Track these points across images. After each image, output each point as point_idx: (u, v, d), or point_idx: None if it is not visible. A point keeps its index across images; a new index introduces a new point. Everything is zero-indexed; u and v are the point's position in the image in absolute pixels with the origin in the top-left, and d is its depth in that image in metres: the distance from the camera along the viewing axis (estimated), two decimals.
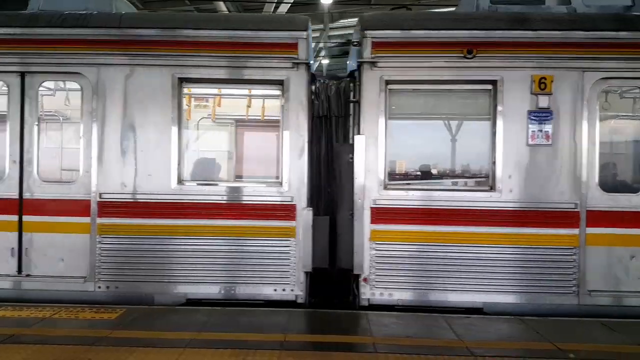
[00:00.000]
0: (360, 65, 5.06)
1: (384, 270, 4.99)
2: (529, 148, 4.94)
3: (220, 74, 5.15)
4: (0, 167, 5.28)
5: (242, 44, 5.10)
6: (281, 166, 5.11)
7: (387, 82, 5.02)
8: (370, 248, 4.99)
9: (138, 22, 5.24)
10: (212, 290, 5.09)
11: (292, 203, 5.05)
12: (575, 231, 4.93)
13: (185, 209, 5.10)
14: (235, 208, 5.11)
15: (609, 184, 5.11)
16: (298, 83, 5.08)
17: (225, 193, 5.16)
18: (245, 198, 5.12)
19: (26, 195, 5.19)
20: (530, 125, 4.94)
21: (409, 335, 4.17)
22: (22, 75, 5.21)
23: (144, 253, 5.10)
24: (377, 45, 5.01)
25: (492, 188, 5.01)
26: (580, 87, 4.94)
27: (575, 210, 4.93)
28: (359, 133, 5.04)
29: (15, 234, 5.18)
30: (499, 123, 4.96)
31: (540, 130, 4.93)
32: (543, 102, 4.93)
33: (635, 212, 4.92)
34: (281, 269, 5.05)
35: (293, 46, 5.09)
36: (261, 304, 5.04)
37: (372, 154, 5.00)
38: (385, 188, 5.02)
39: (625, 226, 4.91)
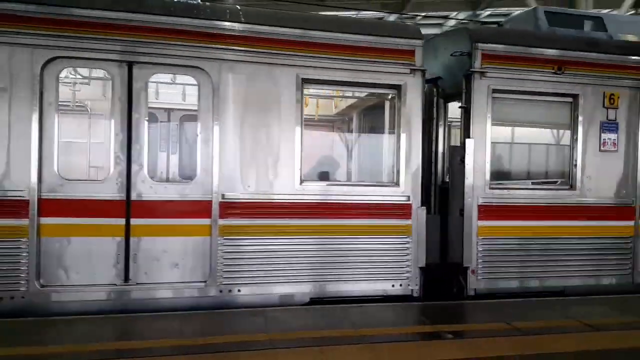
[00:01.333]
0: (470, 74, 5.52)
1: (489, 263, 5.56)
2: (601, 153, 5.85)
3: (341, 76, 5.23)
4: (102, 165, 4.84)
5: (364, 49, 5.24)
6: (397, 167, 5.38)
7: (494, 91, 5.56)
8: (477, 243, 5.52)
9: (262, 19, 5.07)
10: (324, 289, 5.21)
11: (409, 202, 5.36)
12: (631, 223, 5.97)
13: (309, 208, 5.14)
14: (355, 207, 5.26)
15: None
16: (414, 88, 5.37)
17: (346, 193, 5.28)
18: (365, 198, 5.29)
19: (134, 196, 4.78)
20: (602, 134, 5.84)
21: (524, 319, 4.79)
22: (130, 65, 4.76)
23: (268, 254, 5.03)
24: (486, 57, 5.52)
25: (572, 187, 5.85)
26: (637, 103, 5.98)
27: (632, 206, 5.97)
28: (468, 137, 5.51)
29: (122, 239, 4.77)
30: (580, 131, 5.79)
31: (609, 139, 5.86)
32: (612, 115, 5.85)
33: None
34: (398, 265, 5.34)
35: (411, 53, 5.36)
36: (375, 300, 5.31)
37: (479, 156, 5.51)
38: (490, 188, 5.58)
39: None
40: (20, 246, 4.52)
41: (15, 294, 4.51)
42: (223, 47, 4.90)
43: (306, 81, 5.16)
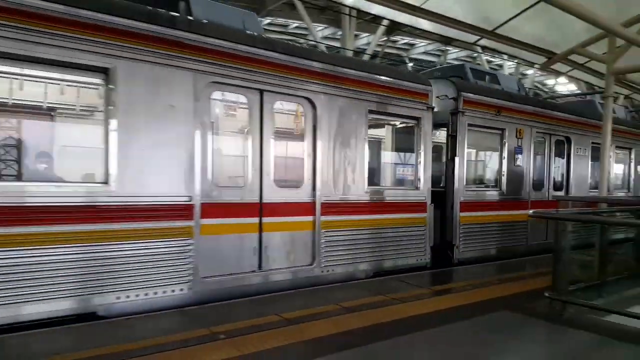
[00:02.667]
0: (456, 112, 8.21)
1: (465, 240, 8.28)
2: (515, 166, 9.13)
3: (391, 109, 7.31)
4: (242, 174, 5.94)
5: (404, 91, 7.42)
6: (418, 175, 7.66)
7: (468, 125, 8.32)
8: (459, 227, 8.17)
9: (350, 64, 7.00)
10: (381, 265, 7.18)
11: (425, 201, 7.71)
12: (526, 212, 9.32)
13: (371, 206, 7.05)
14: (396, 205, 7.40)
15: None
16: (427, 120, 7.74)
17: (393, 195, 7.40)
18: (402, 198, 7.52)
19: (264, 199, 6.02)
20: (516, 154, 9.10)
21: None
22: (261, 93, 5.96)
23: (350, 242, 6.77)
24: (465, 102, 8.27)
25: (498, 187, 9.08)
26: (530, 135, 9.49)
27: (526, 200, 9.34)
28: (455, 156, 8.20)
29: (257, 234, 5.96)
30: (505, 152, 8.99)
31: (518, 157, 9.13)
32: (519, 142, 9.16)
33: None
34: (419, 246, 7.64)
35: (426, 96, 7.72)
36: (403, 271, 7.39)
37: (461, 169, 8.19)
38: (466, 190, 8.36)
39: None
40: (188, 244, 5.37)
41: (184, 286, 5.35)
42: (324, 83, 6.50)
43: (370, 111, 7.09)
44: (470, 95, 8.41)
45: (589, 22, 7.00)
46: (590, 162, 10.94)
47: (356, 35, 20.38)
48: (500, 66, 25.66)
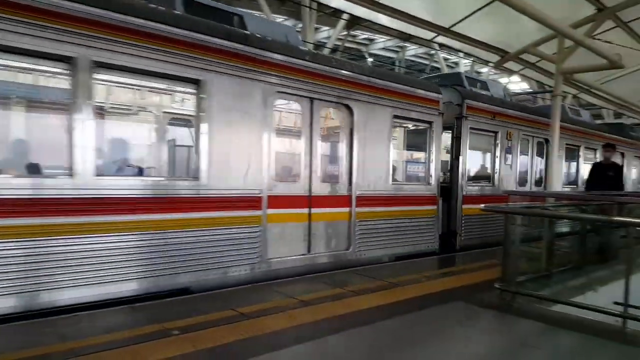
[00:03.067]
0: (460, 117, 9.26)
1: (466, 229, 9.27)
2: (505, 165, 10.29)
3: (411, 115, 8.28)
4: (296, 171, 6.87)
5: (421, 98, 8.41)
6: (430, 172, 8.63)
7: (470, 128, 9.35)
8: (462, 218, 9.17)
9: (380, 75, 7.99)
10: (400, 251, 8.10)
11: (435, 195, 8.64)
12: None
13: (394, 200, 7.95)
14: (413, 198, 8.36)
15: None
16: (438, 124, 8.71)
17: (410, 189, 8.50)
18: (416, 192, 8.53)
19: (312, 193, 6.86)
20: (506, 154, 10.30)
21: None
22: (311, 100, 6.84)
23: (378, 230, 7.70)
24: (468, 108, 9.29)
25: (491, 182, 10.30)
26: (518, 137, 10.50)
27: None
28: (459, 155, 9.24)
29: (307, 223, 6.83)
30: (497, 152, 10.15)
31: (509, 157, 10.30)
32: (509, 144, 10.36)
33: None
34: (431, 234, 8.58)
35: (437, 102, 8.71)
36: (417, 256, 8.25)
37: (464, 167, 9.22)
38: (468, 186, 9.39)
39: None
40: (258, 230, 6.25)
41: (254, 266, 6.22)
42: (360, 92, 7.41)
43: (394, 116, 8.00)
44: (472, 102, 9.57)
45: (539, 22, 7.26)
46: (564, 161, 12.61)
47: (317, 29, 20.40)
48: (456, 64, 26.29)
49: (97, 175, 5.00)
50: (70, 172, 4.82)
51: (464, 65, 25.47)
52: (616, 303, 4.65)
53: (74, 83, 4.82)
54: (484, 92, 10.45)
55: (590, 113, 16.31)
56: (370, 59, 25.15)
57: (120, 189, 5.19)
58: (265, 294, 5.50)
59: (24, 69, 5.62)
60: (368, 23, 14.31)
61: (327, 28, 21.82)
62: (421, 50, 26.15)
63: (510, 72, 13.74)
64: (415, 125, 9.17)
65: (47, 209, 4.67)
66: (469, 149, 9.47)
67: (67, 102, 4.90)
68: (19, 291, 4.56)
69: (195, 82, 5.69)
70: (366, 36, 25.44)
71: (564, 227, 7.89)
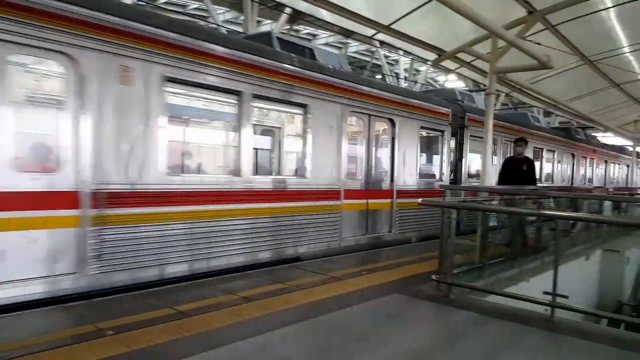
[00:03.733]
0: (463, 127, 11.89)
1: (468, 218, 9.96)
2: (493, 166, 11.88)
3: (428, 125, 10.64)
4: (359, 170, 9.21)
5: (435, 112, 10.83)
6: (442, 169, 11.18)
7: (470, 136, 11.92)
8: None
9: (415, 95, 10.85)
10: (425, 234, 10.28)
11: None
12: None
13: (419, 193, 9.90)
14: (431, 192, 10.33)
15: None
16: (448, 132, 11.26)
17: (429, 184, 10.68)
18: (433, 186, 10.71)
19: (369, 187, 9.21)
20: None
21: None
22: (369, 116, 9.14)
23: (412, 217, 10.07)
24: (469, 120, 11.87)
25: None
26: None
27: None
28: (462, 157, 11.97)
29: (365, 211, 9.12)
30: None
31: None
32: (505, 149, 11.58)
33: None
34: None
35: (448, 115, 11.15)
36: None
37: (464, 166, 11.91)
38: (467, 182, 12.01)
39: None
40: (338, 216, 8.50)
41: (334, 244, 8.47)
42: (400, 109, 9.66)
43: (421, 127, 10.38)
44: (471, 114, 12.12)
45: (474, 22, 7.51)
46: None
47: (259, 22, 20.11)
48: (396, 61, 26.79)
49: (253, 175, 7.13)
50: (239, 173, 6.97)
51: (404, 63, 26.00)
52: (545, 293, 4.88)
53: (240, 109, 6.91)
54: (473, 105, 12.94)
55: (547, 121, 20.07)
56: None
57: (264, 184, 7.30)
58: (205, 291, 5.38)
59: (217, 100, 7.04)
60: (311, 18, 14.31)
61: (270, 21, 21.59)
62: (363, 47, 26.45)
63: (448, 71, 14.20)
64: (432, 134, 11.35)
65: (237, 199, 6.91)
66: (469, 152, 12.18)
67: (235, 122, 7.06)
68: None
69: (304, 106, 7.85)
70: (309, 31, 25.42)
71: (497, 220, 8.26)
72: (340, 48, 27.90)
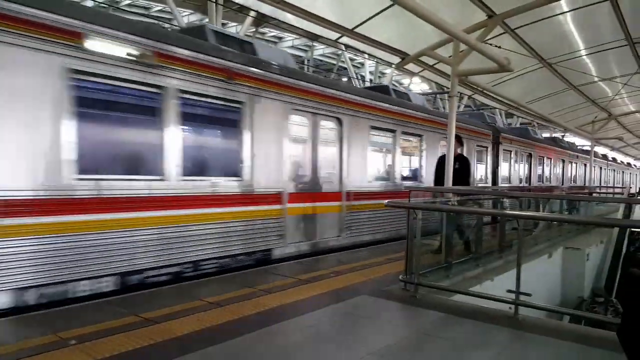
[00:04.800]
0: (497, 143, 16.37)
1: None
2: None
3: (479, 143, 14.90)
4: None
5: (480, 133, 15.11)
6: (487, 176, 16.01)
7: (503, 150, 16.67)
8: None
9: (473, 123, 15.41)
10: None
11: None
12: None
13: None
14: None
15: None
16: (490, 147, 15.84)
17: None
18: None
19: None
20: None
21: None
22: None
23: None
24: (502, 137, 16.62)
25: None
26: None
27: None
28: (498, 166, 16.39)
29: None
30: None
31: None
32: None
33: None
34: None
35: (490, 135, 15.91)
36: None
37: (500, 173, 16.53)
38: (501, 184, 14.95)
39: None
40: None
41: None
42: (468, 134, 12.91)
43: (477, 145, 14.77)
44: (504, 134, 16.83)
45: (436, 26, 7.58)
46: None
47: (224, 24, 19.93)
48: (362, 64, 26.98)
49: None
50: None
51: (369, 66, 26.23)
52: (509, 291, 4.98)
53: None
54: (502, 126, 18.21)
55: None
56: None
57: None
58: (172, 298, 5.31)
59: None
60: (276, 21, 14.26)
61: (235, 24, 21.43)
62: (329, 50, 26.54)
63: (412, 74, 14.37)
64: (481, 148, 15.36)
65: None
66: (503, 162, 16.51)
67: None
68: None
69: (339, 120, 9.62)
70: (274, 34, 25.35)
71: (463, 220, 8.37)
72: (306, 51, 27.93)
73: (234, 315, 4.75)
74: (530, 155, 19.41)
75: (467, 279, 6.93)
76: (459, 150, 9.11)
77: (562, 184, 23.43)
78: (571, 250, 11.47)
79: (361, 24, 8.74)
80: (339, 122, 9.51)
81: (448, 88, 10.84)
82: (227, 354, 3.85)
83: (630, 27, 10.29)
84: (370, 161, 10.52)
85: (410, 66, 11.00)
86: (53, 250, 5.33)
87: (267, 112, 7.86)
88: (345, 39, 9.37)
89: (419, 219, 5.77)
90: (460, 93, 15.54)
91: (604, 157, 32.97)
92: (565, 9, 9.41)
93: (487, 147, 15.35)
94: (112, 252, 5.85)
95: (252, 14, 17.98)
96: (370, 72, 25.21)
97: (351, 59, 26.26)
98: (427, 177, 11.78)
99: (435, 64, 11.00)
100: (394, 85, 25.25)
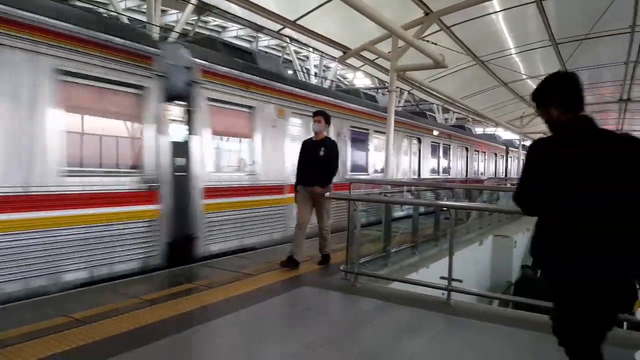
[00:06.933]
0: (507, 152, 26.16)
1: None
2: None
3: (496, 152, 23.08)
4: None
5: (495, 147, 23.11)
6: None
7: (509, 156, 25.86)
8: None
9: (489, 139, 24.34)
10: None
11: None
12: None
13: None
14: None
15: None
16: (503, 155, 24.23)
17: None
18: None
19: None
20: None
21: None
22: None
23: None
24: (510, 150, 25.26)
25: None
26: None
27: None
28: (507, 168, 25.33)
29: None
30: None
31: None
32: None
33: None
34: None
35: (505, 148, 25.82)
36: None
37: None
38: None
39: None
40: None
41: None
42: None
43: (493, 154, 22.44)
44: (511, 147, 25.36)
45: (374, 21, 7.76)
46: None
47: (164, 11, 19.30)
48: (307, 57, 27.02)
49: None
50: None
51: (314, 59, 26.33)
52: (442, 278, 5.23)
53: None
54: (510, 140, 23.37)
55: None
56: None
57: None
58: (105, 297, 5.10)
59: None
60: (219, 10, 13.99)
61: (176, 11, 20.79)
62: (273, 41, 26.37)
63: (354, 68, 14.59)
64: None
65: None
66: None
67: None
68: None
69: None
70: (218, 23, 24.84)
71: (400, 211, 8.64)
72: (250, 42, 27.58)
73: (172, 312, 4.62)
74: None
75: (404, 267, 7.19)
76: (324, 133, 6.87)
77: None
78: (500, 238, 12.14)
79: (303, 16, 8.79)
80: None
81: (388, 83, 11.10)
82: (158, 353, 3.75)
83: (554, 29, 10.98)
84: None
85: (352, 61, 11.17)
86: None
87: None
88: (287, 31, 9.39)
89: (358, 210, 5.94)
90: (400, 88, 15.94)
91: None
92: (497, 8, 9.89)
93: (502, 155, 23.53)
94: None
95: (194, 1, 17.65)
96: (315, 66, 25.30)
97: (296, 52, 26.22)
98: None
99: (375, 59, 11.22)
100: (338, 79, 25.61)
